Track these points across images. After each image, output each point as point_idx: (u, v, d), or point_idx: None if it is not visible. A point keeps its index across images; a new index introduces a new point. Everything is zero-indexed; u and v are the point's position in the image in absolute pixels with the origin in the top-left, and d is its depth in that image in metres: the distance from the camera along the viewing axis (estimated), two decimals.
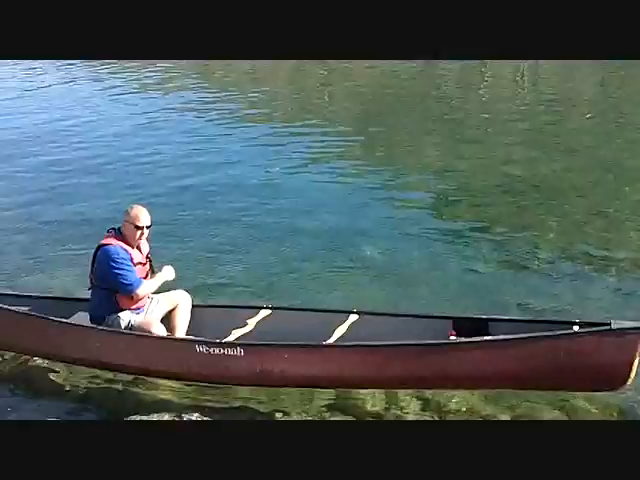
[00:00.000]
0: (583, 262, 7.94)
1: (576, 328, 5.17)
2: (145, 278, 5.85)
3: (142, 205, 5.89)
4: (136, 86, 18.94)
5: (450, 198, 10.34)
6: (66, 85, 19.22)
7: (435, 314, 5.79)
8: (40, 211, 10.00)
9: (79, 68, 21.45)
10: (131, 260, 5.72)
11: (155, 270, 6.02)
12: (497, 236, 8.76)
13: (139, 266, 5.80)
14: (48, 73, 20.35)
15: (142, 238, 5.80)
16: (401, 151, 13.17)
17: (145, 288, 5.75)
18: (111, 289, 5.72)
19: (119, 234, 5.79)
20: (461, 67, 18.95)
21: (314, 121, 15.11)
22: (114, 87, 18.82)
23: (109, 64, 21.17)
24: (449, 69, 17.04)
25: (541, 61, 19.00)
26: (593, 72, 18.74)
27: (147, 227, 5.78)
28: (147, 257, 5.95)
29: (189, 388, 5.80)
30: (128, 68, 20.96)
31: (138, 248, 5.88)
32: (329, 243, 8.66)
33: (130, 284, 5.66)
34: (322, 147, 12.93)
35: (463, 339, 5.31)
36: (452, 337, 5.56)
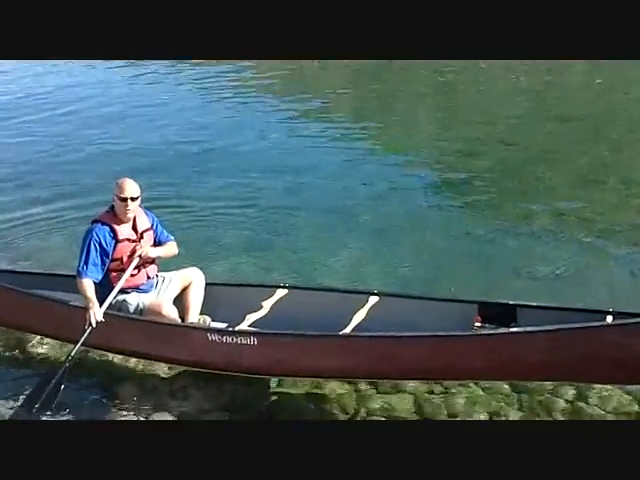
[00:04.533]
0: (582, 229, 8.01)
1: (609, 318, 4.86)
2: (132, 255, 5.52)
3: (129, 177, 5.62)
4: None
5: (451, 169, 10.38)
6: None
7: (460, 298, 5.49)
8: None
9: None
10: (115, 237, 5.47)
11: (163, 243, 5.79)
12: (498, 205, 8.91)
13: (125, 242, 5.51)
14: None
15: (128, 211, 5.48)
16: (400, 125, 12.98)
17: (83, 285, 5.37)
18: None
19: (112, 210, 5.58)
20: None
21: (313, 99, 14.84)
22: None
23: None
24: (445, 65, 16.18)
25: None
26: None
27: (132, 199, 5.46)
28: (141, 235, 5.61)
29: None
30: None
31: (134, 225, 5.60)
32: (329, 214, 8.64)
33: (78, 269, 5.42)
34: (324, 124, 12.70)
35: (490, 330, 5.05)
36: (478, 323, 5.29)
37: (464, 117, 13.15)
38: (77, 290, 5.47)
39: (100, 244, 5.45)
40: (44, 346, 6.13)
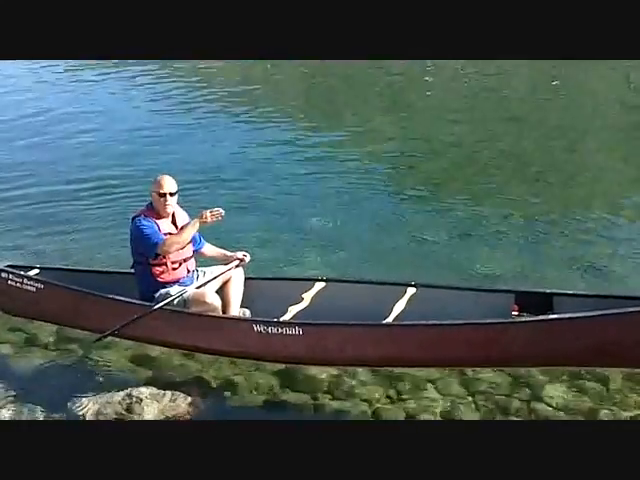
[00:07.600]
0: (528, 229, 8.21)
1: None
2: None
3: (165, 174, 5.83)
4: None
5: (400, 168, 10.66)
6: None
7: (496, 287, 5.63)
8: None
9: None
10: (159, 230, 5.66)
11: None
12: (446, 204, 9.01)
13: (168, 237, 5.69)
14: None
15: (168, 206, 5.69)
16: (351, 128, 12.91)
17: (170, 241, 5.61)
18: (146, 260, 5.70)
19: (150, 207, 5.78)
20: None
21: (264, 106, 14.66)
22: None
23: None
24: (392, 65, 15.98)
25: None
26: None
27: (171, 194, 5.68)
28: (182, 229, 5.77)
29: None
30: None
31: (173, 220, 5.80)
32: (280, 216, 8.75)
33: (154, 242, 5.60)
34: (275, 125, 12.75)
35: (529, 317, 5.17)
36: (515, 312, 5.43)
37: (415, 118, 13.42)
38: (171, 251, 5.60)
39: (149, 227, 5.65)
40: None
